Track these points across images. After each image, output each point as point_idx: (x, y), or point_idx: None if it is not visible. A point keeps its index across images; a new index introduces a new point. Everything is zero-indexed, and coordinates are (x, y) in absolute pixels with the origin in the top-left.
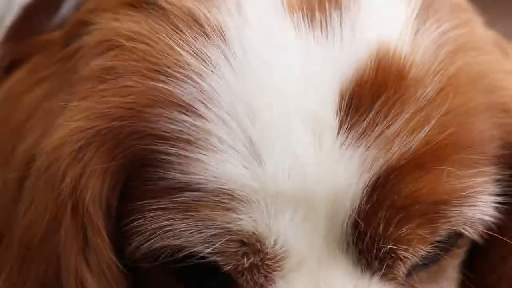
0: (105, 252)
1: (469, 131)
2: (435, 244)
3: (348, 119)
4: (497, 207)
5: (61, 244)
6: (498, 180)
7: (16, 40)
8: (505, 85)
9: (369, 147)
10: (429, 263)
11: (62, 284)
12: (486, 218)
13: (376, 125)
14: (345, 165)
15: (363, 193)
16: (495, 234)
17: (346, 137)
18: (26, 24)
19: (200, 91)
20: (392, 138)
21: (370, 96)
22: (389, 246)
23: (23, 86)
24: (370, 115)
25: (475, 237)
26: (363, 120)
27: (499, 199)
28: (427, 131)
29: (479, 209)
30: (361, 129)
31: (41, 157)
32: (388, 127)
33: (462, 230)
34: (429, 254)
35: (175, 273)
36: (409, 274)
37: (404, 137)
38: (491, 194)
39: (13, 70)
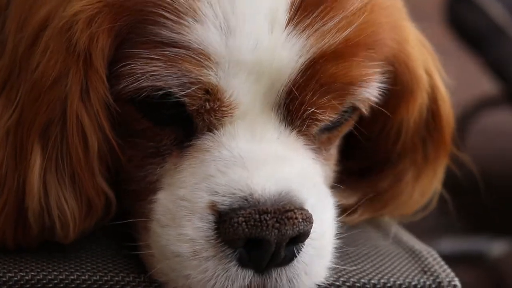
0: (103, 93)
1: (375, 37)
2: (340, 114)
3: (296, 17)
4: (380, 91)
5: (67, 87)
6: (383, 73)
7: None
8: (404, 24)
9: (308, 37)
10: (331, 128)
11: (65, 122)
12: (373, 98)
13: (315, 23)
14: (289, 48)
15: (299, 69)
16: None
17: (292, 29)
18: None
19: None
20: (325, 33)
21: (314, 3)
22: (312, 110)
23: None
24: (312, 16)
25: (364, 111)
26: (307, 19)
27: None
28: (348, 31)
29: (370, 90)
30: (304, 25)
31: (60, 20)
32: (323, 25)
33: (358, 104)
34: (335, 120)
35: (146, 112)
36: (316, 135)
37: (333, 34)
38: (379, 82)
39: None
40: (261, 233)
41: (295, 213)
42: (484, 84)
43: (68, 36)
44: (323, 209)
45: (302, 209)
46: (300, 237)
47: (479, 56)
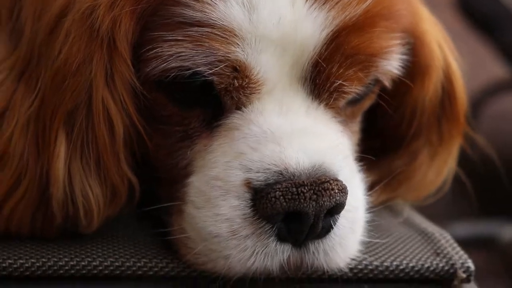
0: (128, 77)
1: (392, 8)
2: (366, 86)
3: None
4: (401, 63)
5: (92, 72)
6: (403, 44)
7: None
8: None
9: (329, 10)
10: (355, 102)
11: (91, 108)
12: (394, 70)
13: None
14: (312, 21)
15: (324, 41)
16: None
17: (313, 3)
18: None
19: None
20: (346, 6)
21: None
22: (339, 82)
23: None
24: None
25: (387, 83)
26: None
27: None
28: (368, 3)
29: (392, 62)
30: None
31: (80, 6)
32: None
33: (381, 77)
34: (361, 92)
35: (173, 96)
36: (342, 108)
37: (354, 6)
38: (399, 53)
39: None
40: (299, 206)
41: (331, 184)
42: (495, 69)
43: (91, 22)
44: (354, 182)
45: (337, 180)
46: (337, 208)
47: (489, 40)
